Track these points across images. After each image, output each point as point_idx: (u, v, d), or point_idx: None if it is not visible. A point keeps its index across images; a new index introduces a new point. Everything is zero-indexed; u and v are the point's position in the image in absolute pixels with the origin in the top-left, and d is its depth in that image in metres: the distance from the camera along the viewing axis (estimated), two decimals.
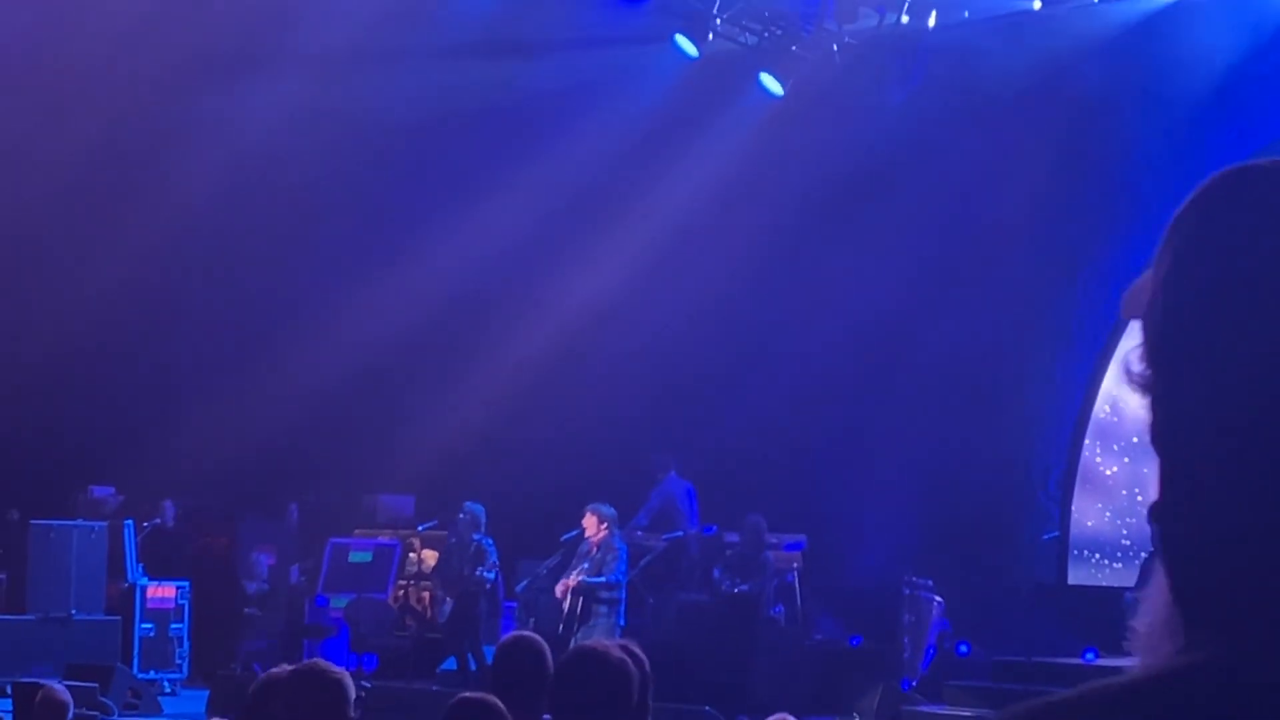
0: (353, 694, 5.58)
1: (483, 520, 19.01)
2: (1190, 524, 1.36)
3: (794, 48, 20.33)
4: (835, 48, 20.06)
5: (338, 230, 23.59)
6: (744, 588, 18.45)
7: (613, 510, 17.59)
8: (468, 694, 6.15)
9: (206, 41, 20.93)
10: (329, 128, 22.06)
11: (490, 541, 18.88)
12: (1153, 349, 1.42)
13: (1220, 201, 1.42)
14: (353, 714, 5.55)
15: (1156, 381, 1.41)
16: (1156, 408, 1.41)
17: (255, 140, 21.56)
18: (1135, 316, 1.47)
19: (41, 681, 15.61)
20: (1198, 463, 1.36)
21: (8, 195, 21.24)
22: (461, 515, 19.27)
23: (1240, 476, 1.33)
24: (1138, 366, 1.43)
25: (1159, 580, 1.39)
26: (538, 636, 8.04)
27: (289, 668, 6.01)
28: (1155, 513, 1.39)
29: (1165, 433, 1.40)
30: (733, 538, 19.74)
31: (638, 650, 6.22)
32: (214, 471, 22.28)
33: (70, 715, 10.49)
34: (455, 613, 19.23)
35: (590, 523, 17.37)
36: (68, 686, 15.80)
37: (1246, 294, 1.36)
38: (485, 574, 18.87)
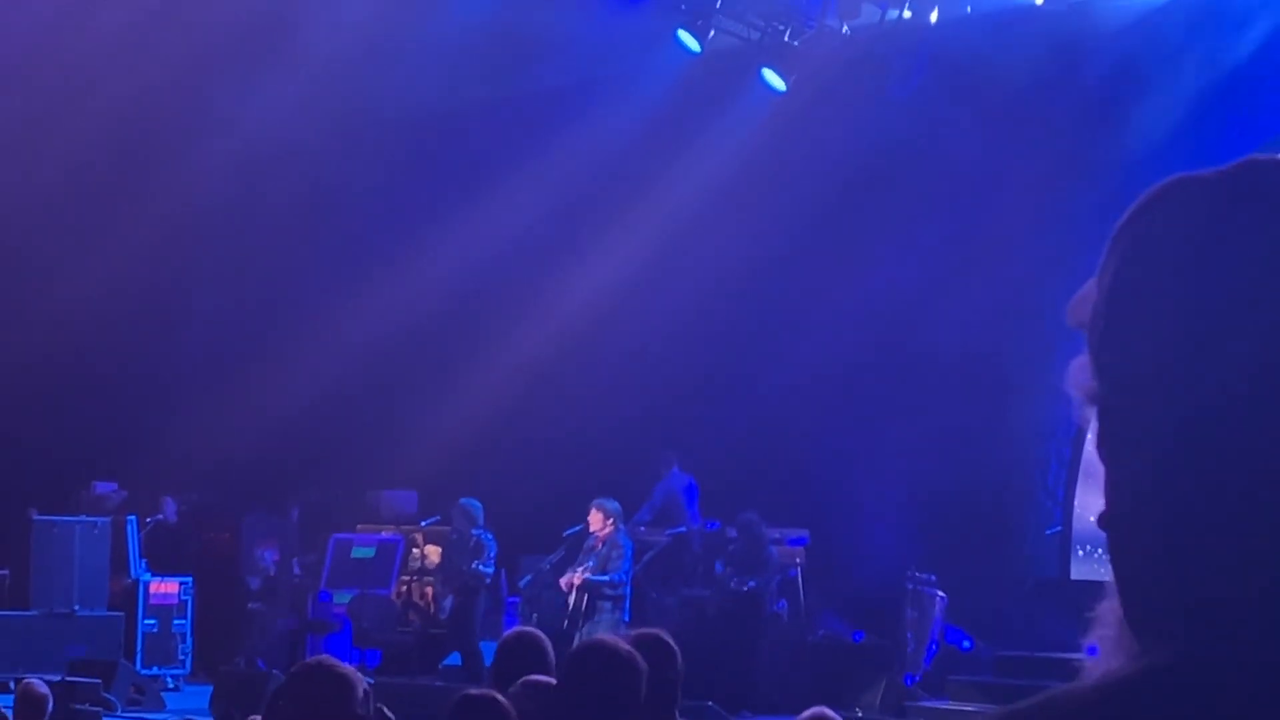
0: (360, 690, 5.56)
1: (479, 515, 19.02)
2: (1137, 535, 1.36)
3: (796, 43, 20.30)
4: (838, 43, 20.04)
5: (341, 227, 23.59)
6: (751, 584, 18.44)
7: (618, 506, 17.60)
8: (472, 690, 6.15)
9: (212, 39, 20.94)
10: (332, 126, 22.07)
11: (490, 536, 18.89)
12: (1096, 359, 1.42)
13: (1164, 212, 1.41)
14: (360, 710, 5.54)
15: (1100, 392, 1.41)
16: (1101, 418, 1.41)
17: (259, 138, 21.56)
18: (1080, 326, 1.46)
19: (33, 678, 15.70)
20: (1140, 473, 1.36)
21: (11, 191, 21.24)
22: (457, 511, 19.31)
23: (1182, 487, 1.33)
24: (1083, 376, 1.43)
25: (1112, 591, 1.40)
26: (539, 632, 8.06)
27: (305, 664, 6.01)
28: (1102, 522, 1.39)
29: (1109, 443, 1.40)
30: (734, 534, 19.75)
31: (669, 639, 6.22)
32: (217, 467, 22.28)
33: (50, 709, 10.52)
34: (456, 608, 19.26)
35: (596, 519, 17.37)
36: (70, 682, 15.93)
37: (1188, 306, 1.36)
38: (481, 568, 18.87)
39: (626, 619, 17.10)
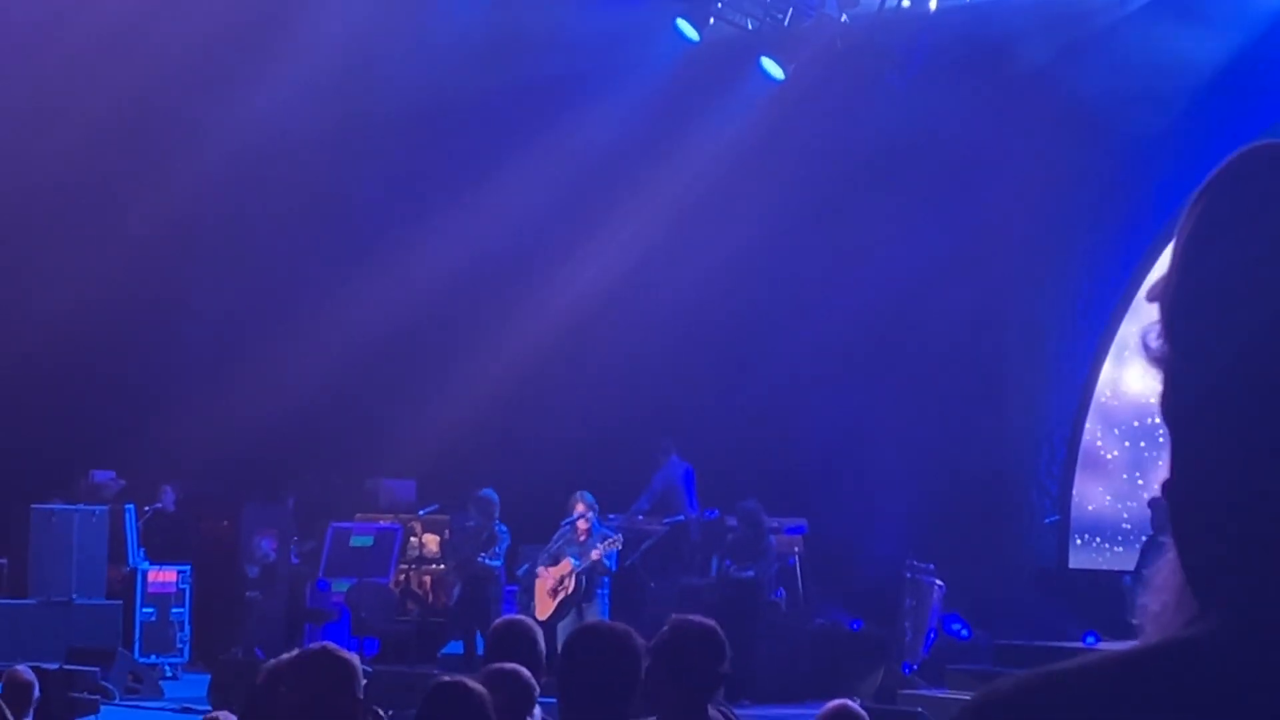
0: (362, 677, 5.57)
1: (497, 507, 19.13)
2: (1201, 498, 1.36)
3: (795, 32, 20.29)
4: (837, 31, 20.02)
5: (339, 217, 23.58)
6: (749, 573, 18.47)
7: (592, 497, 17.96)
8: (446, 678, 6.16)
9: (211, 32, 20.93)
10: (329, 118, 22.04)
11: (504, 529, 19.00)
12: (1168, 323, 1.41)
13: (1240, 178, 1.41)
14: (362, 697, 5.55)
15: (1170, 356, 1.40)
16: (1169, 383, 1.40)
17: (257, 131, 21.54)
18: (1155, 300, 1.46)
19: (40, 665, 15.69)
20: (1209, 438, 1.36)
21: (10, 182, 21.22)
22: (476, 501, 19.31)
23: (1251, 451, 1.33)
24: (1154, 341, 1.42)
25: (1170, 557, 1.39)
26: (530, 620, 8.09)
27: (293, 654, 6.02)
28: (1167, 488, 1.39)
29: (1177, 408, 1.40)
30: (734, 522, 19.77)
31: (716, 631, 6.19)
32: (215, 456, 22.27)
33: (36, 696, 10.52)
34: (463, 596, 19.30)
35: (579, 509, 17.78)
36: (68, 670, 15.92)
37: (1263, 271, 1.36)
38: (489, 562, 18.93)
39: (607, 606, 17.49)
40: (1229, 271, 1.37)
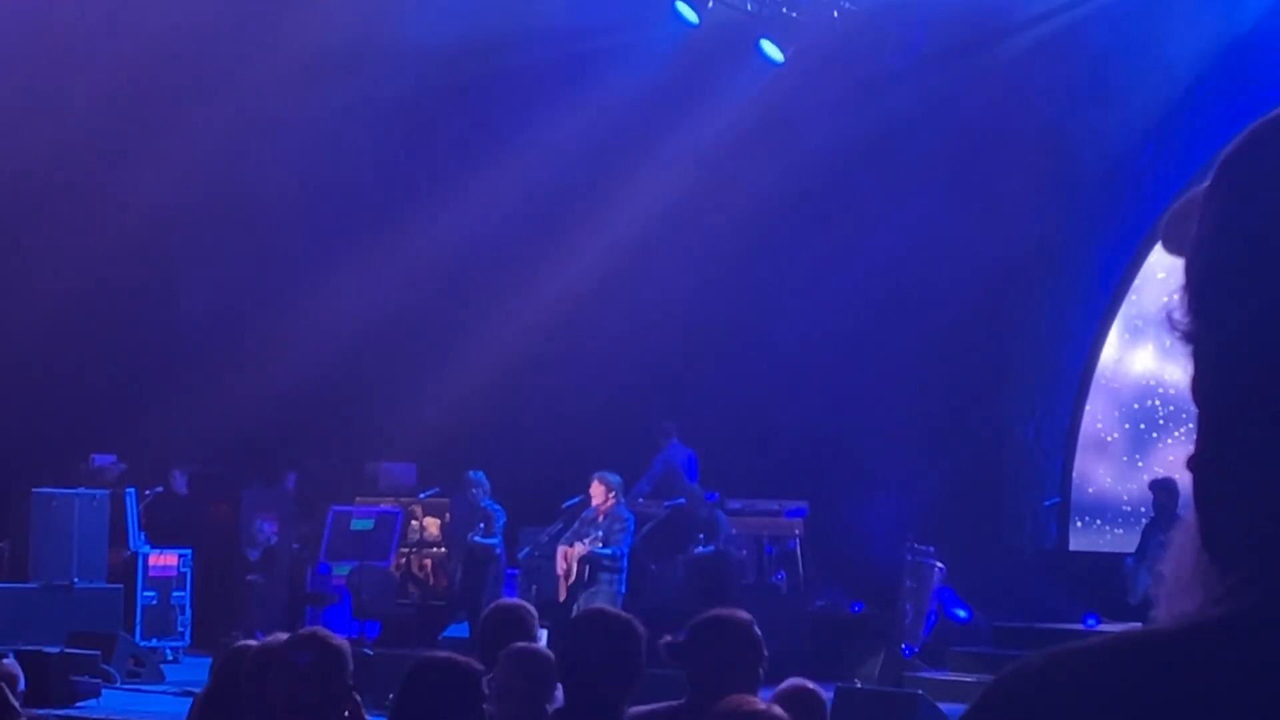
0: (351, 662, 5.58)
1: (487, 485, 19.14)
2: (1232, 472, 1.33)
3: (794, 14, 20.26)
4: (835, 14, 19.99)
5: (339, 199, 23.56)
6: (710, 549, 18.65)
7: (620, 479, 17.56)
8: (429, 654, 6.18)
9: (206, 14, 20.90)
10: (327, 100, 22.03)
11: (498, 507, 19.01)
12: (1197, 296, 1.37)
13: (1273, 143, 1.36)
14: (352, 682, 5.55)
15: (1199, 330, 1.37)
16: (1198, 357, 1.37)
17: (255, 111, 21.53)
18: (1176, 252, 1.41)
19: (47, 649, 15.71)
20: (1239, 414, 1.33)
21: (7, 163, 21.20)
22: (465, 483, 19.41)
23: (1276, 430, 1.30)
24: (1180, 314, 1.38)
25: (1188, 530, 1.37)
26: (524, 604, 8.11)
27: (283, 636, 6.02)
28: (1192, 461, 1.37)
29: (1206, 383, 1.37)
30: (735, 504, 19.81)
31: (750, 624, 6.19)
32: (216, 439, 22.28)
33: (21, 687, 10.49)
34: (462, 579, 19.33)
35: (598, 491, 17.31)
36: (70, 654, 15.95)
37: None
38: (481, 540, 18.95)
39: (623, 590, 17.12)
40: (1268, 243, 1.32)
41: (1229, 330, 1.34)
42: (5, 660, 10.82)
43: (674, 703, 6.02)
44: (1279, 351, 1.31)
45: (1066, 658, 1.32)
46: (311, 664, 5.49)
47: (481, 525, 19.09)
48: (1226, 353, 1.34)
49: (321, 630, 5.96)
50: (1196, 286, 1.37)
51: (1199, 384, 1.37)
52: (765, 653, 6.04)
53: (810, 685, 6.79)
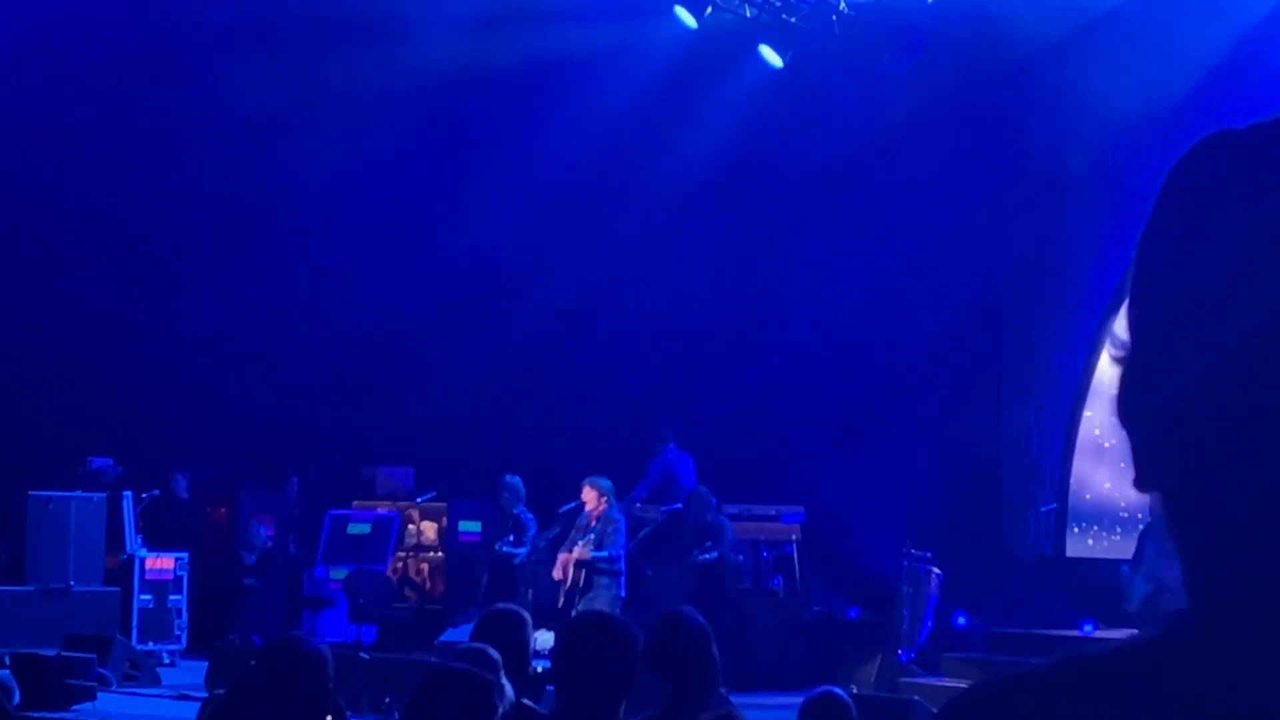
0: (331, 668, 5.57)
1: (521, 491, 18.92)
2: (1167, 501, 1.33)
3: (793, 19, 20.26)
4: (834, 19, 20.00)
5: (340, 203, 23.57)
6: (713, 555, 18.53)
7: (610, 483, 17.60)
8: (441, 664, 6.17)
9: (217, 12, 20.95)
10: (332, 103, 22.04)
11: (531, 516, 18.76)
12: (1130, 322, 1.37)
13: (1197, 165, 1.37)
14: (331, 687, 5.55)
15: (1128, 350, 1.36)
16: (1121, 377, 1.36)
17: (256, 114, 21.54)
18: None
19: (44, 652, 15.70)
20: (1150, 440, 1.33)
21: (11, 168, 21.21)
22: (501, 487, 19.14)
23: (1208, 455, 1.29)
24: (1119, 339, 1.37)
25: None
26: (519, 609, 8.10)
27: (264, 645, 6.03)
28: (1135, 486, 1.37)
29: (1124, 404, 1.36)
30: (732, 509, 19.78)
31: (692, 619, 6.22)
32: (213, 443, 22.28)
33: (16, 700, 10.47)
34: (487, 585, 19.16)
35: (589, 496, 17.37)
36: (66, 657, 15.93)
37: (1210, 260, 1.30)
38: (510, 549, 18.72)
39: (623, 594, 17.12)
40: (1182, 261, 1.32)
41: (1145, 348, 1.33)
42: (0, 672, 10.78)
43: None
44: (1178, 375, 1.30)
45: (1009, 681, 1.34)
46: (291, 670, 5.49)
47: (511, 536, 18.89)
48: (1142, 373, 1.34)
49: (301, 635, 5.96)
50: (1130, 313, 1.36)
51: (1119, 404, 1.36)
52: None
53: (840, 693, 6.84)
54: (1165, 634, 1.31)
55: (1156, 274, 1.35)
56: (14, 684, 10.50)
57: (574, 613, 16.14)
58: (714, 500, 19.63)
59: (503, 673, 6.70)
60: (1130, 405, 1.36)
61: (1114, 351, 1.37)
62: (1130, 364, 1.35)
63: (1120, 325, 1.38)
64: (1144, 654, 1.31)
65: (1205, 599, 1.30)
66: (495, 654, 6.77)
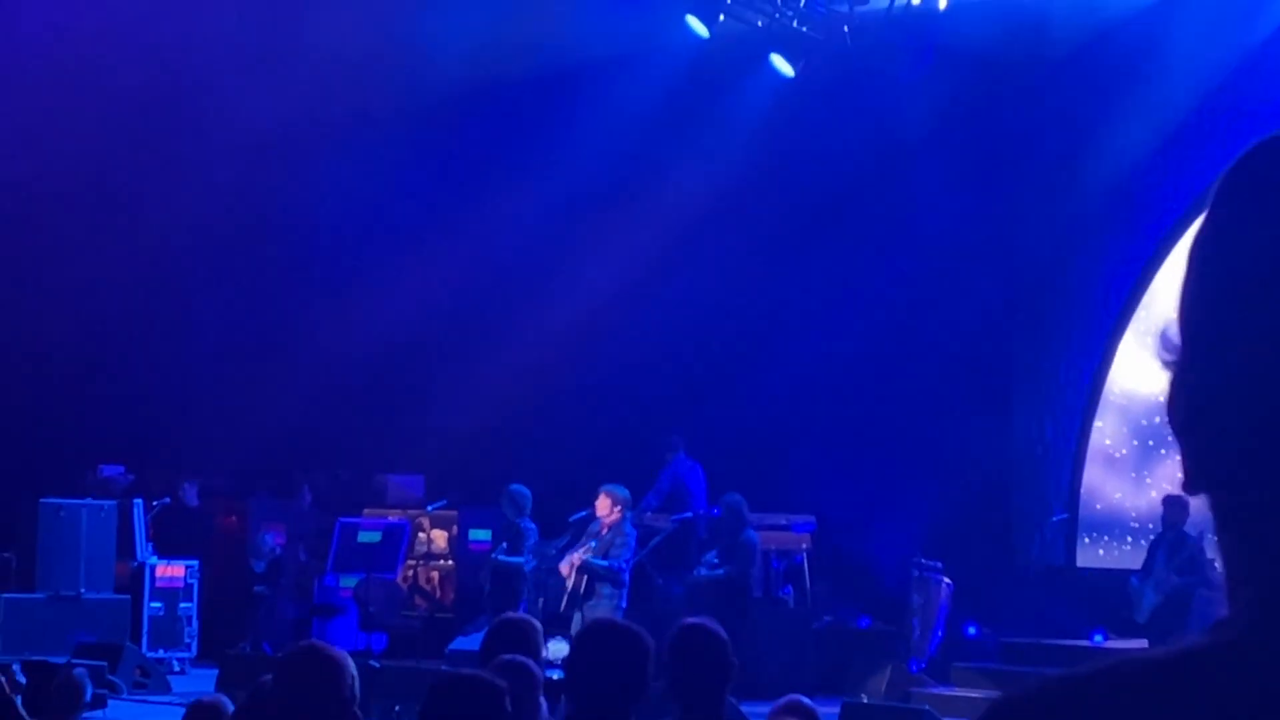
0: (351, 675, 5.57)
1: (527, 503, 18.54)
2: (1222, 506, 1.32)
3: (805, 29, 20.27)
4: (846, 29, 20.00)
5: (351, 213, 23.59)
6: (720, 572, 18.20)
7: (627, 493, 17.39)
8: (453, 671, 6.18)
9: (231, 22, 20.98)
10: (342, 115, 22.08)
11: (532, 525, 18.45)
12: (1183, 323, 1.36)
13: (1254, 167, 1.35)
14: (349, 695, 5.54)
15: (1183, 357, 1.35)
16: (1172, 380, 1.35)
17: (269, 125, 21.55)
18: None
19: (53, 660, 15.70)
20: (1220, 441, 1.31)
21: (22, 177, 21.24)
22: (504, 498, 18.94)
23: (1263, 455, 1.28)
24: (1170, 341, 1.36)
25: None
26: (530, 618, 8.10)
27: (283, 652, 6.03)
28: (1184, 488, 1.36)
29: (1175, 406, 1.35)
30: (718, 512, 19.72)
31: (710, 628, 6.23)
32: (224, 451, 22.30)
33: (88, 697, 10.49)
34: (490, 594, 19.11)
35: (604, 504, 17.17)
36: (76, 665, 15.92)
37: (1276, 260, 1.29)
38: (505, 558, 18.61)
39: (624, 605, 16.96)
40: (1236, 264, 1.31)
41: (1198, 349, 1.33)
42: (75, 671, 10.80)
43: None
44: (1258, 381, 1.29)
45: (1058, 685, 1.33)
46: (310, 677, 5.48)
47: (505, 544, 18.70)
48: (1194, 376, 1.33)
49: (319, 643, 5.96)
50: (1184, 314, 1.35)
51: (1170, 407, 1.36)
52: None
53: (806, 702, 6.81)
54: (1215, 636, 1.30)
55: (1212, 275, 1.34)
56: (86, 681, 10.52)
57: (575, 620, 16.15)
58: (715, 510, 19.46)
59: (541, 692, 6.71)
60: (1182, 407, 1.35)
61: (1164, 355, 1.36)
62: (1182, 366, 1.35)
63: (1171, 328, 1.37)
64: (1197, 658, 1.30)
65: (1256, 601, 1.29)
66: (538, 670, 6.76)
